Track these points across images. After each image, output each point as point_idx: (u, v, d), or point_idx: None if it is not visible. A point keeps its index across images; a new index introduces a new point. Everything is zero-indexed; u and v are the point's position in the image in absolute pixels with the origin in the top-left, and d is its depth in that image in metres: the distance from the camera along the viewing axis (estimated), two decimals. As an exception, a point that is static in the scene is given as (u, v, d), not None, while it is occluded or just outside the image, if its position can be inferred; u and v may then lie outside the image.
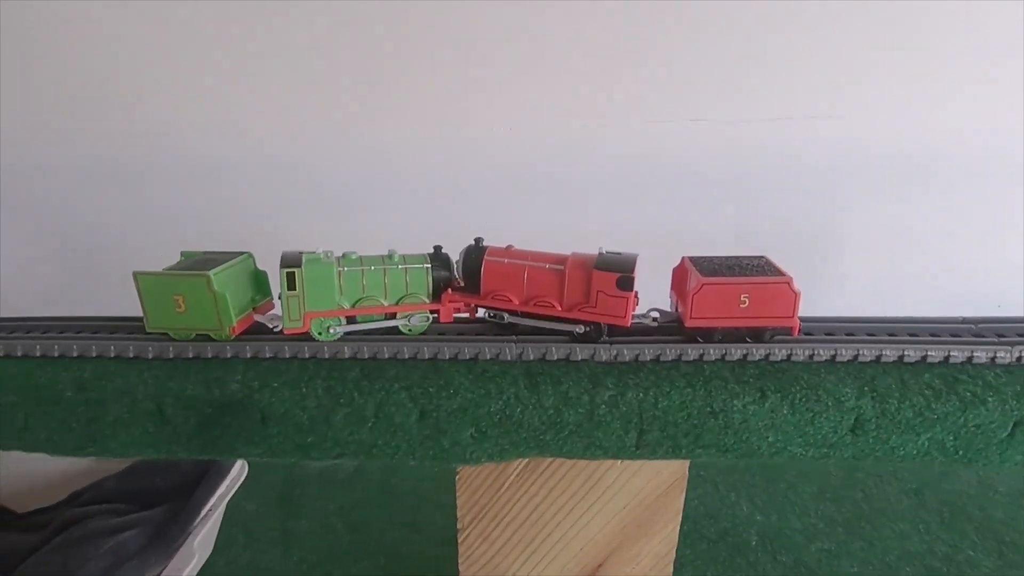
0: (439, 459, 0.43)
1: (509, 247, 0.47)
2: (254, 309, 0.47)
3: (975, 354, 0.42)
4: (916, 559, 0.69)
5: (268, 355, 0.45)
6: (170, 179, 0.76)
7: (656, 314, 0.47)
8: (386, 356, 0.45)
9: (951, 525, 0.73)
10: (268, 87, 0.70)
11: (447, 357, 0.45)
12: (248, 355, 0.45)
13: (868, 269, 0.80)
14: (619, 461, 0.47)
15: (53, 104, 0.71)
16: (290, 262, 0.43)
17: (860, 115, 0.71)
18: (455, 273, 0.47)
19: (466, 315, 0.48)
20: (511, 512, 0.49)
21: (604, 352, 0.44)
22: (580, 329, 0.44)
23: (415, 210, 0.77)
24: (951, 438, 0.40)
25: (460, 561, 0.51)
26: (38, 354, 0.45)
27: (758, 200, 0.76)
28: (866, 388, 0.41)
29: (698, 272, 0.44)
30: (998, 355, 0.42)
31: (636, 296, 0.44)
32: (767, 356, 0.44)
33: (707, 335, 0.44)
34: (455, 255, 0.48)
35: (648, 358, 0.44)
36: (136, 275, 0.44)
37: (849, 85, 0.70)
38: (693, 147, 0.73)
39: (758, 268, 0.44)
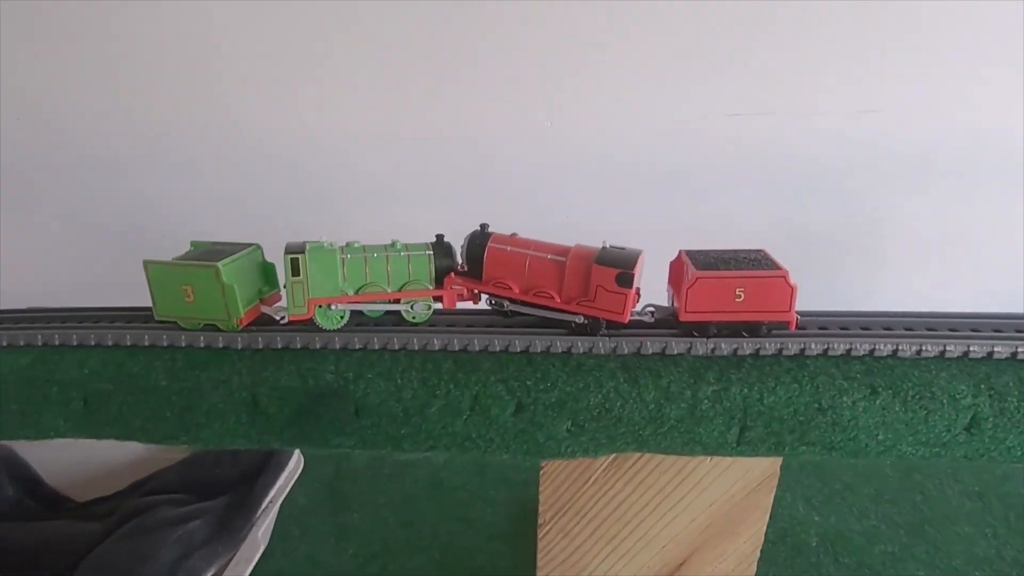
0: (532, 453, 0.42)
1: (514, 235, 0.46)
2: (261, 301, 0.47)
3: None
4: (985, 564, 0.67)
5: (358, 346, 0.45)
6: (176, 170, 0.75)
7: (652, 309, 0.46)
8: (477, 348, 0.45)
9: (1018, 529, 0.71)
10: (276, 79, 0.70)
11: (539, 350, 0.44)
12: (338, 346, 0.45)
13: (904, 267, 0.79)
14: (710, 458, 0.46)
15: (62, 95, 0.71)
16: (294, 249, 0.44)
17: (897, 110, 0.69)
18: (457, 261, 0.47)
19: (469, 301, 0.47)
20: (594, 508, 0.48)
21: (701, 346, 0.44)
22: (580, 319, 0.44)
23: (423, 204, 0.76)
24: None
25: (539, 555, 0.51)
26: (128, 343, 0.45)
27: (788, 196, 0.74)
28: (983, 386, 0.39)
29: (693, 265, 0.43)
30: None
31: (638, 293, 0.44)
32: (872, 351, 0.43)
33: (702, 329, 0.44)
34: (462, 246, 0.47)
35: (747, 352, 0.43)
36: (146, 264, 0.44)
37: (880, 80, 0.68)
38: (717, 142, 0.72)
39: (755, 261, 0.43)
